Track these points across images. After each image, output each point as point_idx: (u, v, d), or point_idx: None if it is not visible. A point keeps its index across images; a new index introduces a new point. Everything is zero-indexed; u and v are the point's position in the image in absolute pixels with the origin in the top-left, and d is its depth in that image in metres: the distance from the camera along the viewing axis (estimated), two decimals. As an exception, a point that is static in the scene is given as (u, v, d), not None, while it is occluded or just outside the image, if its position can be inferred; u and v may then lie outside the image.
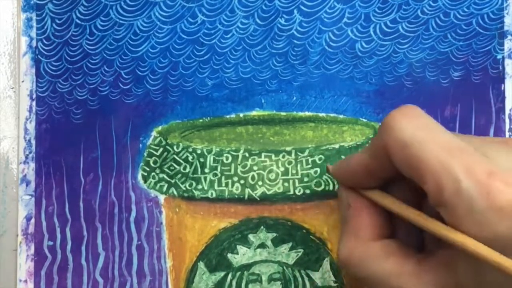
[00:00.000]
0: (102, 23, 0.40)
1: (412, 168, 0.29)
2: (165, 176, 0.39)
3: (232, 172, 0.39)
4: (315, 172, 0.39)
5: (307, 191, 0.39)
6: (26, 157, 0.40)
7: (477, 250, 0.27)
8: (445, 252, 0.30)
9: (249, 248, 0.39)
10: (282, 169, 0.39)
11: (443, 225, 0.29)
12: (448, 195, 0.28)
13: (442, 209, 0.29)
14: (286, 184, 0.39)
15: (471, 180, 0.27)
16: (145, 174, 0.40)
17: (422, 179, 0.29)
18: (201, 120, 0.40)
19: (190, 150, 0.39)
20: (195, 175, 0.39)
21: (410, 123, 0.30)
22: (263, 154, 0.39)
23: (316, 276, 0.39)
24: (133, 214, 0.39)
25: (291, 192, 0.39)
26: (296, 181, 0.39)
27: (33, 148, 0.39)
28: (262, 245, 0.39)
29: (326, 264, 0.39)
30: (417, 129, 0.29)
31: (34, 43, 0.40)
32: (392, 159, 0.30)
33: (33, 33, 0.40)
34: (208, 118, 0.40)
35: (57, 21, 0.40)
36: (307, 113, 0.40)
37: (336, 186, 0.39)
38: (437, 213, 0.29)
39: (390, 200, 0.32)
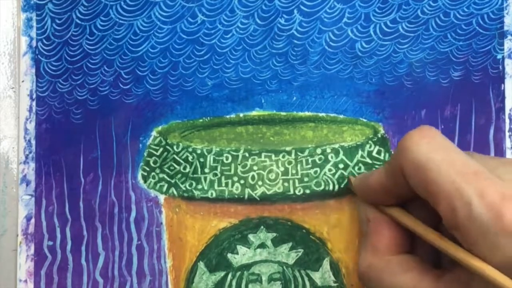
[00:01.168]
0: (102, 23, 0.40)
1: (426, 190, 0.29)
2: (165, 176, 0.39)
3: (232, 172, 0.39)
4: (315, 172, 0.39)
5: (307, 191, 0.39)
6: (26, 157, 0.40)
7: (492, 276, 0.27)
8: (460, 270, 0.30)
9: (249, 248, 0.39)
10: (282, 169, 0.39)
11: (459, 248, 0.29)
12: (461, 219, 0.28)
13: (455, 232, 0.29)
14: (286, 184, 0.39)
15: (484, 204, 0.27)
16: (145, 174, 0.40)
17: (436, 201, 0.29)
18: (201, 120, 0.40)
19: (190, 150, 0.39)
20: (195, 175, 0.39)
21: (425, 144, 0.30)
22: (263, 154, 0.39)
23: (316, 276, 0.39)
24: (133, 214, 0.39)
25: (291, 192, 0.39)
26: (296, 181, 0.39)
27: (33, 148, 0.39)
28: (262, 245, 0.39)
29: (326, 264, 0.39)
30: (432, 151, 0.30)
31: (34, 43, 0.40)
32: (407, 180, 0.31)
33: (33, 33, 0.40)
34: (208, 118, 0.40)
35: (57, 21, 0.40)
36: (307, 113, 0.40)
37: (336, 187, 0.39)
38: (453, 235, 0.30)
39: (408, 219, 0.33)
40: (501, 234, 0.27)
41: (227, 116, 0.40)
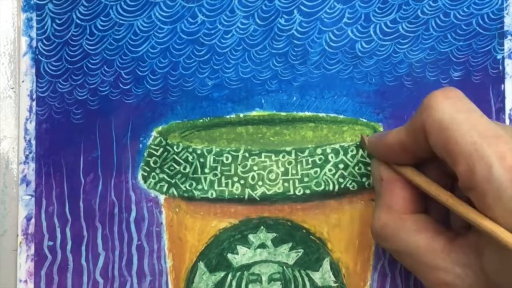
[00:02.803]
0: (102, 23, 0.40)
1: (446, 150, 0.29)
2: (165, 176, 0.39)
3: (232, 172, 0.39)
4: (315, 172, 0.39)
5: (307, 191, 0.39)
6: (26, 157, 0.39)
7: (504, 239, 0.27)
8: (473, 234, 0.31)
9: (249, 248, 0.39)
10: (282, 169, 0.39)
11: (472, 209, 0.29)
12: (479, 180, 0.28)
13: (471, 193, 0.29)
14: (286, 184, 0.39)
15: (503, 168, 0.27)
16: (145, 174, 0.40)
17: (455, 161, 0.29)
18: (201, 120, 0.40)
19: (190, 150, 0.39)
20: (195, 175, 0.39)
21: (450, 104, 0.30)
22: (263, 154, 0.39)
23: (316, 276, 0.39)
24: (133, 214, 0.39)
25: (291, 192, 0.39)
26: (296, 181, 0.39)
27: (33, 148, 0.39)
28: (262, 245, 0.39)
29: (326, 264, 0.39)
30: (456, 112, 0.30)
31: (34, 43, 0.40)
32: (428, 139, 0.31)
33: (33, 33, 0.40)
34: (208, 118, 0.40)
35: (57, 21, 0.40)
36: (307, 113, 0.40)
37: (336, 187, 0.39)
38: (468, 198, 0.30)
39: (422, 179, 0.33)
40: None
41: (227, 116, 0.40)
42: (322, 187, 0.39)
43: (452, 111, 0.30)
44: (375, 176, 0.35)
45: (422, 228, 0.32)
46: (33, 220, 0.39)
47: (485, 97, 0.40)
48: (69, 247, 0.39)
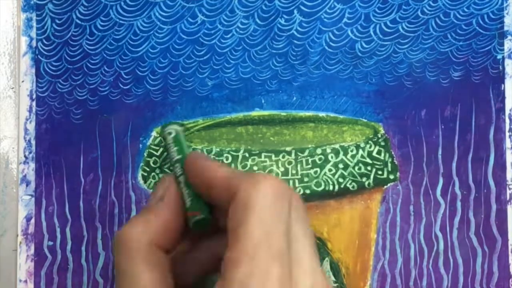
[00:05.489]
0: (102, 23, 0.40)
1: (232, 226, 0.28)
2: (165, 176, 0.39)
3: (232, 172, 0.39)
4: (315, 172, 0.39)
5: (307, 191, 0.39)
6: (26, 157, 0.39)
7: None
8: None
9: (249, 248, 0.39)
10: (282, 169, 0.39)
11: None
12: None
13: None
14: (286, 184, 0.39)
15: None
16: (145, 174, 0.39)
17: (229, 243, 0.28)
18: (201, 120, 0.40)
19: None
20: (195, 175, 0.39)
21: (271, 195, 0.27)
22: (263, 154, 0.39)
23: (316, 276, 0.39)
24: (133, 214, 0.39)
25: (291, 192, 0.39)
26: (296, 181, 0.39)
27: (33, 148, 0.39)
28: (262, 245, 0.39)
29: (326, 264, 0.39)
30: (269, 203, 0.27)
31: (34, 43, 0.40)
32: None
33: (33, 33, 0.40)
34: (208, 118, 0.40)
35: (57, 21, 0.40)
36: (307, 113, 0.40)
37: (336, 187, 0.39)
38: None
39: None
40: None
41: (227, 116, 0.40)
42: (322, 187, 0.39)
43: (270, 200, 0.27)
44: (158, 191, 0.31)
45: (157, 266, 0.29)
46: (33, 220, 0.39)
47: (485, 97, 0.40)
48: (69, 247, 0.39)
